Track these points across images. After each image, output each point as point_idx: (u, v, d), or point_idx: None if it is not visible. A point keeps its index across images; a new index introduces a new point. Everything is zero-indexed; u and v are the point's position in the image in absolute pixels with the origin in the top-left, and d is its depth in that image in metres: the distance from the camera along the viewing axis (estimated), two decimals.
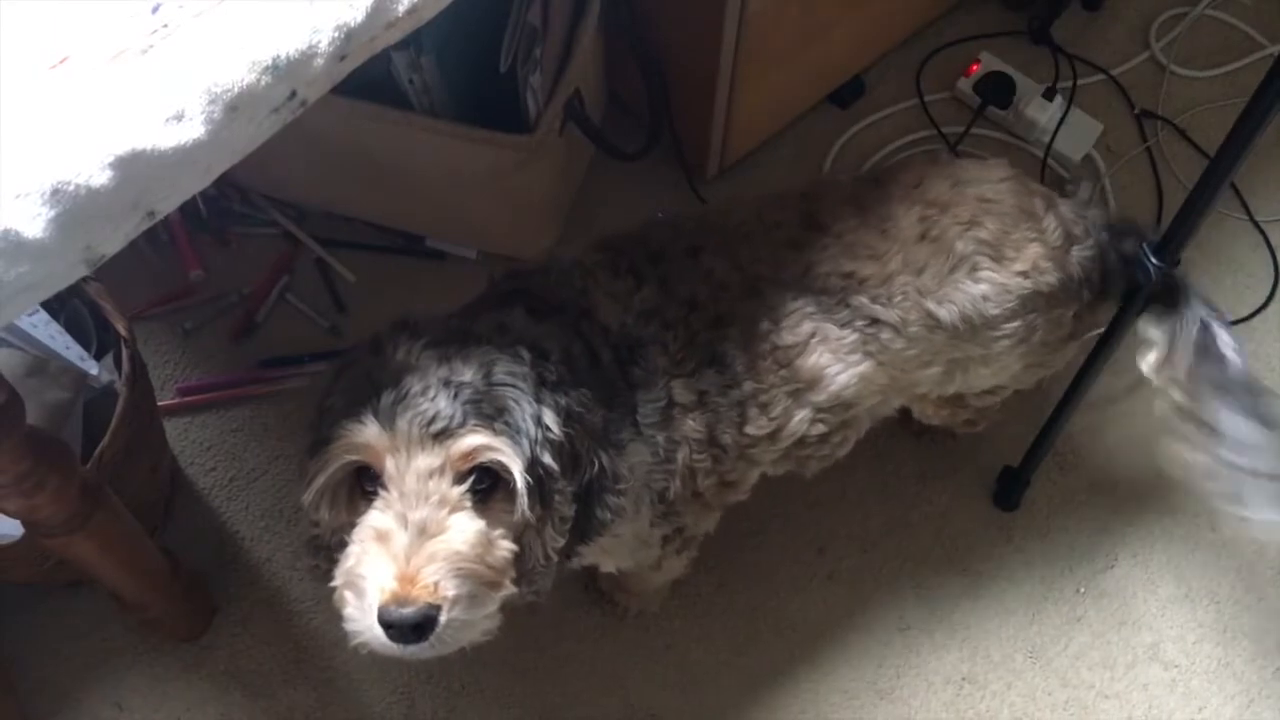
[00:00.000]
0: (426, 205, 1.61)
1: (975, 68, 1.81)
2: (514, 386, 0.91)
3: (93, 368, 1.32)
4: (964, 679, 1.47)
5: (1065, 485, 1.57)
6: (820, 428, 1.16)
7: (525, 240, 1.63)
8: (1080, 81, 1.83)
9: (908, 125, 1.83)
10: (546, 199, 1.61)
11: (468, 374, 0.90)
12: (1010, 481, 1.53)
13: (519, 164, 1.47)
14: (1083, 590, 1.52)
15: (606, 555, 1.17)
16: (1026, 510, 1.55)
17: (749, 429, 1.12)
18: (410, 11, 0.73)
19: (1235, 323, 1.67)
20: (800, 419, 1.14)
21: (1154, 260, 1.14)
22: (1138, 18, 1.91)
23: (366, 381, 0.90)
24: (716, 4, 1.41)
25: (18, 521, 1.13)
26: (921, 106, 1.84)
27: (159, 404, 1.50)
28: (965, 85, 1.81)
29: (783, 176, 1.77)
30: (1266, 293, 1.70)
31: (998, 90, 1.78)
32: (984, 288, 1.13)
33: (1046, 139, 1.77)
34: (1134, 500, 1.57)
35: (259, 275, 1.67)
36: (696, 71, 1.54)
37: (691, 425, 1.08)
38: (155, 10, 0.70)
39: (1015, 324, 1.16)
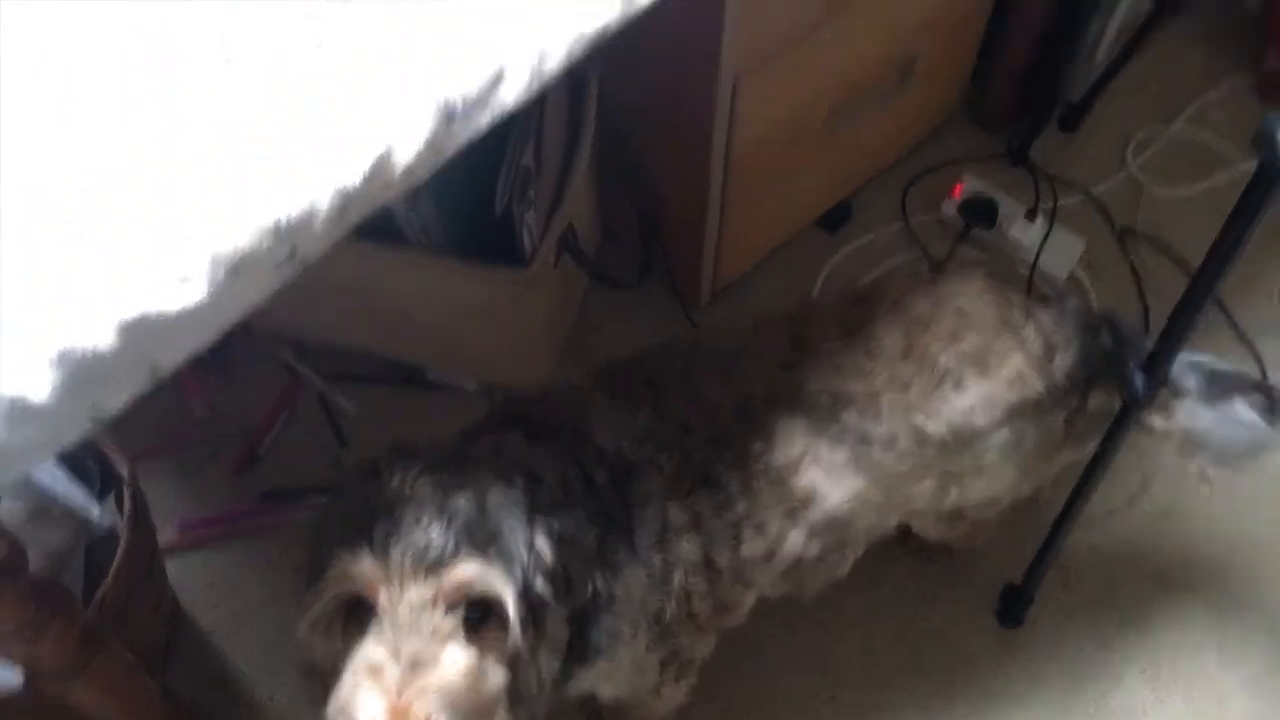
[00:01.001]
0: (426, 338, 1.64)
1: (959, 190, 1.85)
2: (507, 512, 0.93)
3: (95, 510, 1.32)
4: None
5: (1068, 601, 1.57)
6: (815, 547, 1.16)
7: (524, 370, 1.65)
8: (1061, 201, 1.87)
9: (895, 247, 1.86)
10: (543, 329, 1.64)
11: (461, 501, 0.91)
12: (1013, 599, 1.52)
13: (516, 297, 1.50)
14: (1093, 711, 1.50)
15: (604, 681, 1.17)
16: (1030, 627, 1.54)
17: (744, 551, 1.12)
18: (406, 173, 0.76)
19: None
20: (795, 539, 1.14)
21: (1142, 379, 1.16)
22: (1114, 137, 1.97)
23: (363, 508, 0.91)
24: (702, 143, 1.46)
25: (16, 667, 1.13)
26: (907, 229, 1.88)
27: (160, 541, 1.51)
28: (949, 208, 1.85)
29: (774, 299, 1.80)
30: None
31: (981, 212, 1.83)
32: (970, 400, 1.15)
33: (1031, 258, 1.81)
34: (1137, 614, 1.56)
35: (262, 408, 1.69)
36: (686, 205, 1.59)
37: (687, 547, 1.09)
38: None
39: (1003, 433, 1.17)
